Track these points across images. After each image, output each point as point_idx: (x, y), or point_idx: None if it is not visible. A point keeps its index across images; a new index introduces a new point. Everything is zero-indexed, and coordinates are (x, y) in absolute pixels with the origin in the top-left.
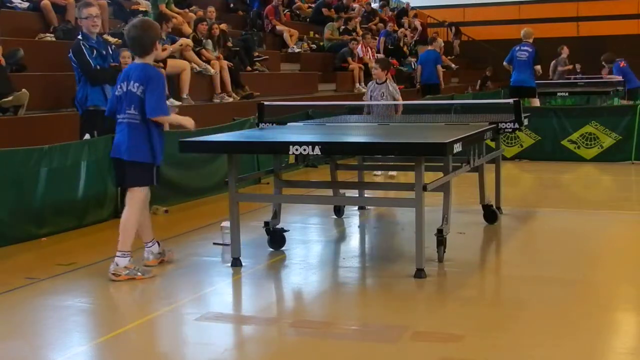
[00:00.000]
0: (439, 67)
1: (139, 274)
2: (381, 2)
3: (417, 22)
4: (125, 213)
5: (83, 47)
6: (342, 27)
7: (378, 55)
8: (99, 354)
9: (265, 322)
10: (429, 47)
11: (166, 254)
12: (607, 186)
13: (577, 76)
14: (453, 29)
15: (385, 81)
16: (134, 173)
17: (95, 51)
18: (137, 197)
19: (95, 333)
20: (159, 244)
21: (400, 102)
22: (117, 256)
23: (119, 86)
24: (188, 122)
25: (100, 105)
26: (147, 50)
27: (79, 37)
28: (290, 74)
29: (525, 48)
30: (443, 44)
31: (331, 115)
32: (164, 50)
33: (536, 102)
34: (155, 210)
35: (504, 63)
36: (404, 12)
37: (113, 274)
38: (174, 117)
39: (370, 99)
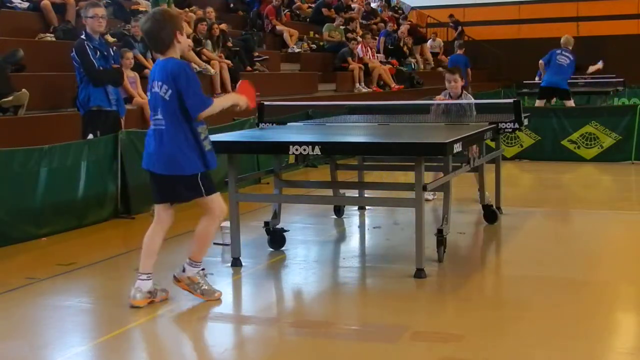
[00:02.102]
0: (469, 70)
1: (198, 291)
2: (379, 3)
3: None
4: (201, 224)
5: (87, 48)
6: (343, 27)
7: (378, 55)
8: (99, 354)
9: (265, 322)
10: (458, 52)
11: (158, 294)
12: (607, 186)
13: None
14: (460, 28)
15: (461, 94)
16: (181, 187)
17: (98, 52)
18: (211, 206)
19: (95, 333)
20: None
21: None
22: (186, 264)
23: (149, 89)
24: (240, 100)
25: (103, 106)
26: (167, 43)
27: (82, 37)
28: (290, 74)
29: (567, 55)
30: (442, 44)
31: (331, 115)
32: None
33: (571, 103)
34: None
35: (540, 62)
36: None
37: (174, 276)
38: (223, 101)
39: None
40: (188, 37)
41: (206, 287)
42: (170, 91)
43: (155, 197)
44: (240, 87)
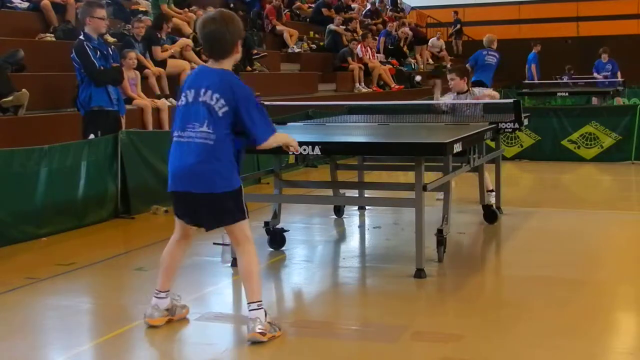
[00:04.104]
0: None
1: (277, 329)
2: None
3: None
4: (242, 259)
5: (87, 48)
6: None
7: (378, 55)
8: (99, 354)
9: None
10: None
11: (177, 311)
12: (607, 186)
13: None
14: (458, 26)
15: (467, 91)
16: (229, 206)
17: (98, 52)
18: (247, 233)
19: (95, 333)
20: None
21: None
22: (253, 309)
23: (182, 96)
24: (293, 142)
25: (104, 106)
26: (228, 50)
27: (82, 37)
28: (290, 74)
29: (493, 54)
30: (444, 45)
31: (331, 115)
32: (164, 51)
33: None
34: (155, 210)
35: (467, 66)
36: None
37: (260, 333)
38: (282, 137)
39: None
40: (188, 37)
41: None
42: (227, 108)
43: (192, 219)
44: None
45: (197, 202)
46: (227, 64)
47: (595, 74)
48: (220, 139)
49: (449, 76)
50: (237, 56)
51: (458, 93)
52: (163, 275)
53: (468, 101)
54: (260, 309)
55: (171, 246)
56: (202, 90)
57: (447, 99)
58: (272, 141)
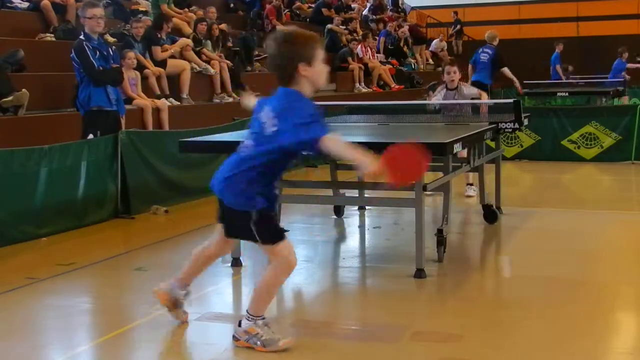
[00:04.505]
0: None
1: (258, 343)
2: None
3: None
4: (268, 272)
5: (86, 48)
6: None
7: (378, 55)
8: (99, 354)
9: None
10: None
11: (178, 305)
12: (607, 186)
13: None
14: (459, 26)
15: (457, 87)
16: (257, 226)
17: (97, 52)
18: (281, 254)
19: (95, 333)
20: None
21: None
22: (248, 319)
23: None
24: (368, 165)
25: (104, 106)
26: (285, 76)
27: (81, 37)
28: None
29: (487, 51)
30: (446, 45)
31: (331, 115)
32: (164, 51)
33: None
34: (155, 210)
35: (470, 65)
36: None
37: (233, 335)
38: (352, 153)
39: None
40: (188, 37)
41: (267, 337)
42: (271, 118)
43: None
44: (392, 156)
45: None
46: (300, 88)
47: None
48: (253, 156)
49: (451, 69)
50: (308, 79)
51: (448, 89)
52: (190, 266)
53: (457, 101)
54: (250, 320)
55: (205, 249)
56: (265, 108)
57: (438, 94)
58: (333, 146)
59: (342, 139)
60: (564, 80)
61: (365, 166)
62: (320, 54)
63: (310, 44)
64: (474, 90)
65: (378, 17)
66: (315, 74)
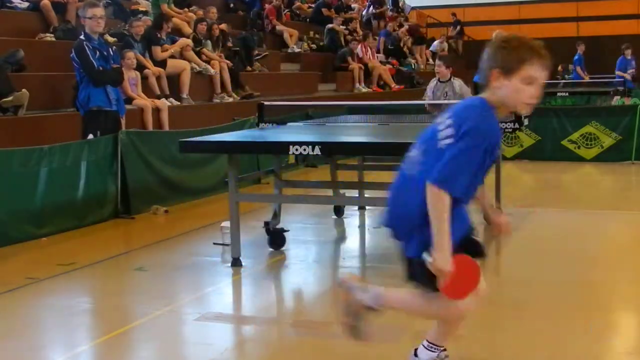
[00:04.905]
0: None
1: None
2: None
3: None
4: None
5: (86, 48)
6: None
7: (378, 55)
8: (99, 354)
9: (265, 322)
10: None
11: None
12: (607, 186)
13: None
14: (458, 27)
15: (450, 79)
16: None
17: (97, 52)
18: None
19: (95, 333)
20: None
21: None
22: (422, 345)
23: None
24: (443, 260)
25: (103, 106)
26: (482, 77)
27: (82, 37)
28: (290, 74)
29: None
30: (447, 46)
31: (331, 115)
32: (164, 51)
33: None
34: (155, 210)
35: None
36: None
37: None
38: (442, 231)
39: (433, 99)
40: (188, 37)
41: None
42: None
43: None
44: (461, 266)
45: None
46: (486, 95)
47: (618, 72)
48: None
49: (436, 63)
50: (501, 91)
51: (440, 81)
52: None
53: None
54: (437, 351)
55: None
56: (446, 115)
57: (431, 85)
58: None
59: (448, 204)
60: (585, 80)
61: (440, 259)
62: (529, 70)
63: (519, 53)
64: (468, 92)
65: (378, 11)
66: (509, 89)
